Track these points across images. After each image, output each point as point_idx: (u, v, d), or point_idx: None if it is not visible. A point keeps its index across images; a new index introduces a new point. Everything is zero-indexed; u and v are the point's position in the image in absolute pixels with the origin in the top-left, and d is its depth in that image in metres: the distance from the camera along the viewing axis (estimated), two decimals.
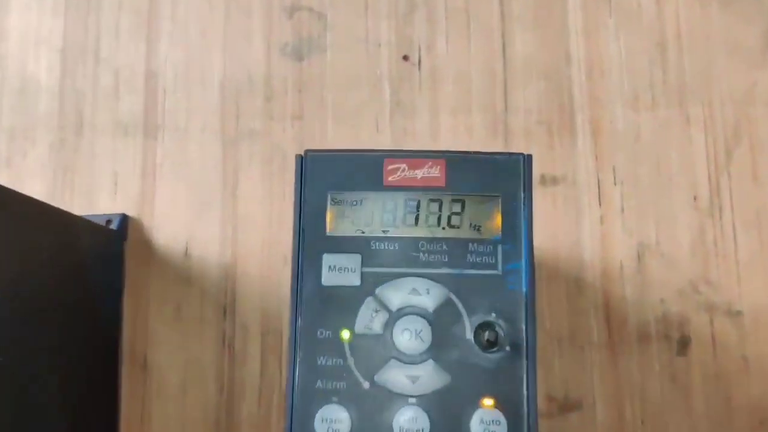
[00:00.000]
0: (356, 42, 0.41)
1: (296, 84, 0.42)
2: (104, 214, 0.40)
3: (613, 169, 0.40)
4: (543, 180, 0.40)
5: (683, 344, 0.38)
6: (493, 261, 0.23)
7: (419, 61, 0.41)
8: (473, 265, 0.23)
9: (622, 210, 0.40)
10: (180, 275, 0.40)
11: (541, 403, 0.37)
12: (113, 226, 0.39)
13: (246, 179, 0.41)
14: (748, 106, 0.40)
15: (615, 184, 0.40)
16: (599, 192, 0.40)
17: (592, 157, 0.40)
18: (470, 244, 0.23)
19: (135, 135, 0.42)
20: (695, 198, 0.40)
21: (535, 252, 0.24)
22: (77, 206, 0.40)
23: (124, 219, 0.40)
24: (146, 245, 0.40)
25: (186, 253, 0.40)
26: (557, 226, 0.39)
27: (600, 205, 0.40)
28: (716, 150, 0.40)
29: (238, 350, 0.39)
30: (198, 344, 0.39)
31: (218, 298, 0.40)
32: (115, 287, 0.39)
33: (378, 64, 0.41)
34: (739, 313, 0.39)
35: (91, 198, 0.41)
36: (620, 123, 0.40)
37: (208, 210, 0.41)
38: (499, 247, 0.23)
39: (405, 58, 0.40)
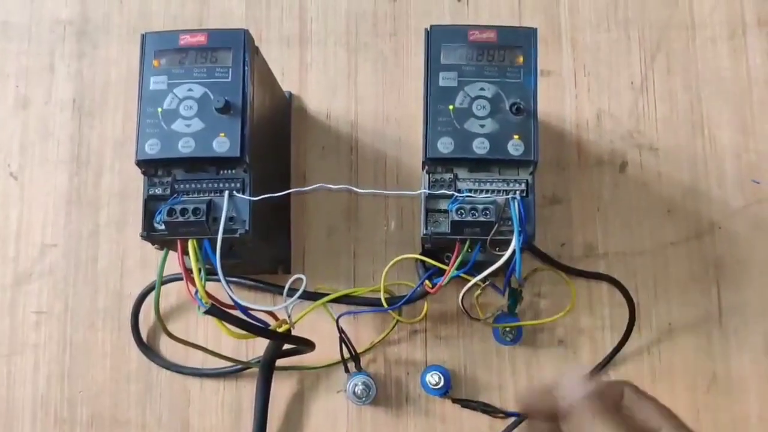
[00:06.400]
0: None
1: (391, 15, 0.68)
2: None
3: (583, 66, 0.67)
4: (542, 73, 0.66)
5: (623, 166, 0.65)
6: (518, 76, 0.50)
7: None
8: (509, 77, 0.50)
9: (588, 89, 0.67)
10: (324, 128, 0.67)
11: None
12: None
13: (362, 73, 0.68)
14: (666, 29, 0.67)
15: (585, 75, 0.67)
16: (575, 80, 0.67)
17: (571, 60, 0.67)
18: (507, 68, 0.50)
19: (293, 46, 0.68)
20: (632, 83, 0.67)
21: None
22: None
23: (290, 94, 0.67)
24: (303, 111, 0.67)
25: (327, 116, 0.67)
26: (549, 100, 0.66)
27: (575, 86, 0.67)
28: (646, 55, 0.67)
29: (361, 172, 0.66)
30: (335, 168, 0.66)
31: (347, 142, 0.67)
32: (287, 132, 0.66)
33: None
34: (656, 149, 0.66)
35: None
36: (588, 39, 0.67)
37: (339, 90, 0.67)
38: (521, 69, 0.50)
39: None
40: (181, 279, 0.61)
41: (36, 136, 0.68)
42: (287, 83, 0.67)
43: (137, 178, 0.66)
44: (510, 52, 0.50)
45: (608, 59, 0.67)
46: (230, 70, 0.51)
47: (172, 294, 0.64)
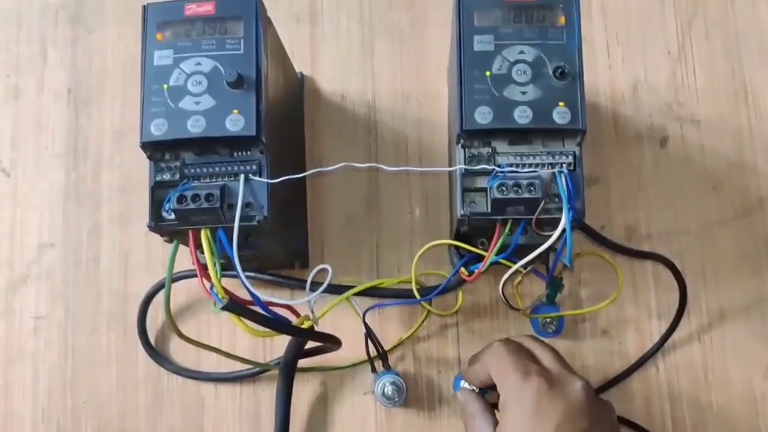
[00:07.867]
0: None
1: None
2: None
3: (616, 35, 0.63)
4: None
5: (664, 141, 0.61)
6: (561, 37, 0.45)
7: None
8: (550, 38, 0.45)
9: (623, 60, 0.62)
10: (339, 110, 0.62)
11: None
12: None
13: (379, 48, 0.63)
14: None
15: (618, 44, 0.62)
16: (608, 50, 0.62)
17: (602, 28, 0.63)
18: (549, 29, 0.45)
19: (303, 23, 0.64)
20: (669, 52, 0.62)
21: None
22: None
23: (302, 75, 0.62)
24: (316, 92, 0.63)
25: (342, 97, 0.62)
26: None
27: (608, 57, 0.62)
28: (682, 21, 0.63)
29: (381, 156, 0.61)
30: (353, 153, 0.61)
31: (364, 124, 0.62)
32: (300, 116, 0.61)
33: None
34: (698, 122, 0.61)
35: None
36: (620, 6, 0.63)
37: (354, 69, 0.63)
38: (564, 29, 0.45)
39: None
40: (192, 276, 0.56)
41: (29, 129, 0.63)
42: (298, 64, 0.62)
43: (139, 170, 0.61)
44: (550, 11, 0.46)
45: (642, 26, 0.62)
46: (242, 41, 0.46)
47: (181, 293, 0.59)
